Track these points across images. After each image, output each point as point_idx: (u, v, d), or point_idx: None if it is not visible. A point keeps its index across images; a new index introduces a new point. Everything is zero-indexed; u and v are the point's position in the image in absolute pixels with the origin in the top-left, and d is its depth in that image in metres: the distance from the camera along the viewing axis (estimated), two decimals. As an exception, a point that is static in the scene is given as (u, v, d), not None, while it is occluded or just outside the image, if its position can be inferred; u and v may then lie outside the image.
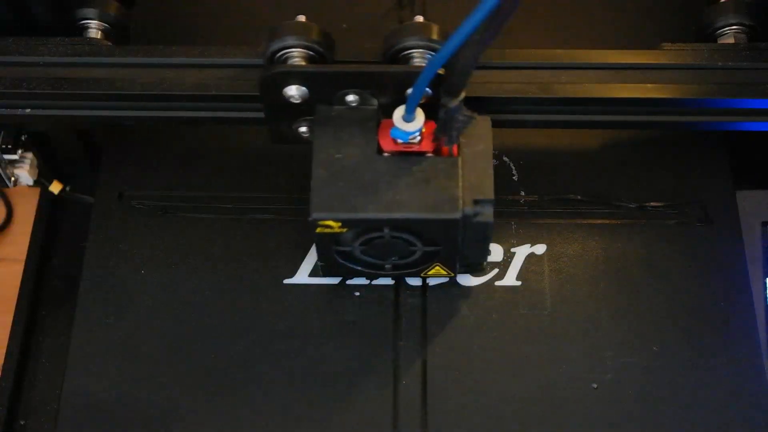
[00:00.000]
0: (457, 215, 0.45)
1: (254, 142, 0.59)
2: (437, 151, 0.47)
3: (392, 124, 0.46)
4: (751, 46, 0.53)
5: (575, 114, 0.52)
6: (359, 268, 0.52)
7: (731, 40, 0.55)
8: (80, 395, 0.51)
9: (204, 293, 0.54)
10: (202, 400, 0.51)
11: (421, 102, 0.45)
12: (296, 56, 0.48)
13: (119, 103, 0.51)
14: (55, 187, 0.61)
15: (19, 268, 0.61)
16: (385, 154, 0.47)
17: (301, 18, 0.49)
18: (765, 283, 0.56)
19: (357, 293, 0.54)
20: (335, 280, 0.54)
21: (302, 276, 0.54)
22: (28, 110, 0.51)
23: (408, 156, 0.47)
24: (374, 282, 0.54)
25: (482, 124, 0.47)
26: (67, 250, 0.61)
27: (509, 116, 0.51)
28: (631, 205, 0.57)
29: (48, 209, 0.63)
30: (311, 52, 0.48)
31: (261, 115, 0.50)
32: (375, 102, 0.48)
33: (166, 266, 0.55)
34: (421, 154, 0.47)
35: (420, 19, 0.49)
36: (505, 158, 0.58)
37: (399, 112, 0.46)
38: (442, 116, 0.45)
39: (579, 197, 0.57)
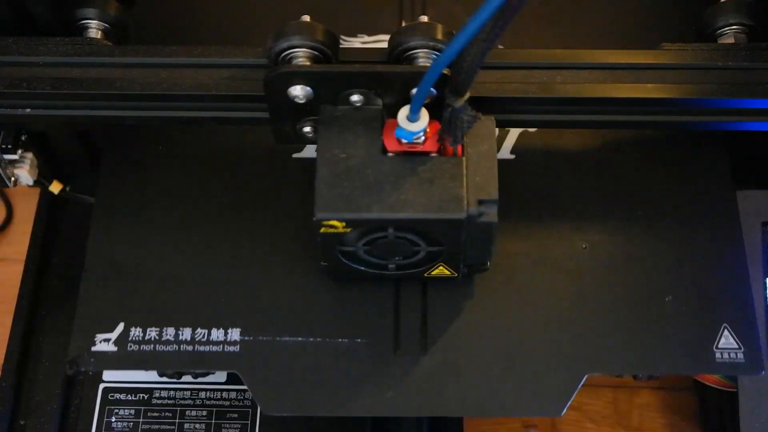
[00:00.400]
0: (462, 215, 0.45)
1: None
2: (441, 151, 0.47)
3: (397, 124, 0.46)
4: (751, 46, 0.53)
5: (575, 114, 0.52)
6: (362, 268, 0.52)
7: (731, 40, 0.55)
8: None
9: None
10: (213, 286, 0.52)
11: (426, 102, 0.45)
12: (301, 56, 0.48)
13: (119, 103, 0.51)
14: (55, 187, 0.61)
15: (19, 268, 0.61)
16: (390, 154, 0.47)
17: (306, 18, 0.49)
18: (765, 283, 0.56)
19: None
20: None
21: (311, 151, 0.56)
22: (28, 110, 0.51)
23: (412, 156, 0.47)
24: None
25: (486, 124, 0.48)
26: (67, 250, 0.61)
27: (509, 116, 0.51)
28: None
29: (48, 209, 0.63)
30: (316, 52, 0.48)
31: (264, 115, 0.50)
32: (379, 102, 0.48)
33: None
34: (426, 154, 0.47)
35: (425, 18, 0.49)
36: None
37: (403, 112, 0.46)
38: (447, 116, 0.45)
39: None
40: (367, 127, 0.48)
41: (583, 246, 0.54)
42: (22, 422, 0.55)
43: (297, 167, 0.57)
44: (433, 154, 0.47)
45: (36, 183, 0.59)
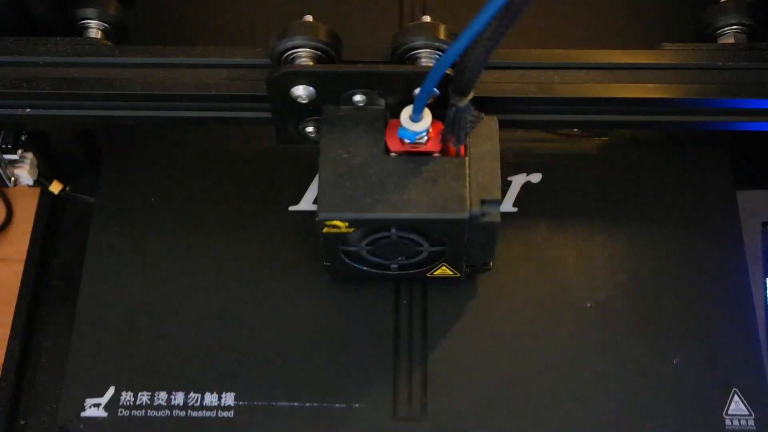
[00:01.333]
0: (465, 215, 0.46)
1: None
2: (444, 151, 0.47)
3: (399, 124, 0.46)
4: (751, 46, 0.53)
5: (575, 114, 0.51)
6: (365, 268, 0.52)
7: (731, 40, 0.55)
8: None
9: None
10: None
11: (428, 102, 0.45)
12: (304, 56, 0.48)
13: (119, 103, 0.51)
14: (55, 187, 0.61)
15: (19, 268, 0.61)
16: (393, 154, 0.47)
17: (309, 18, 0.49)
18: (765, 283, 0.56)
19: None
20: None
21: (307, 203, 0.55)
22: (28, 110, 0.51)
23: (415, 156, 0.47)
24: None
25: (489, 124, 0.47)
26: (67, 250, 0.61)
27: (509, 116, 0.51)
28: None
29: (48, 209, 0.63)
30: (319, 52, 0.48)
31: (265, 115, 0.50)
32: (382, 102, 0.48)
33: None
34: (428, 154, 0.47)
35: (427, 18, 0.49)
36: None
37: (406, 112, 0.46)
38: (451, 116, 0.45)
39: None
40: (370, 127, 0.48)
41: (588, 305, 0.53)
42: (22, 422, 0.55)
43: (295, 219, 0.56)
44: (436, 154, 0.47)
45: (36, 183, 0.59)
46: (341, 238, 0.48)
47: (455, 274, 0.52)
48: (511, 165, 0.57)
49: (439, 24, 0.48)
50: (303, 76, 0.47)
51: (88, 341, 0.53)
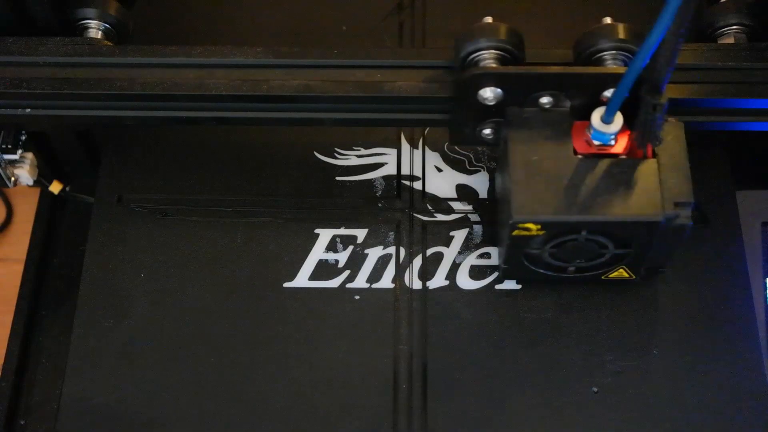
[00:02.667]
0: (660, 217, 0.45)
1: (255, 143, 0.59)
2: (630, 154, 0.47)
3: (587, 126, 0.46)
4: (751, 46, 0.53)
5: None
6: (542, 270, 0.51)
7: (731, 40, 0.55)
8: (80, 396, 0.51)
9: (204, 295, 0.54)
10: (202, 402, 0.51)
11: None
12: (488, 58, 0.48)
13: (119, 103, 0.51)
14: (55, 187, 0.61)
15: (19, 268, 0.61)
16: (580, 157, 0.47)
17: (489, 19, 0.49)
18: (765, 283, 0.56)
19: (357, 297, 0.54)
20: (335, 283, 0.54)
21: (302, 280, 0.54)
22: (28, 110, 0.51)
23: (603, 158, 0.47)
24: (374, 285, 0.54)
25: (675, 126, 0.47)
26: (67, 250, 0.61)
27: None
28: None
29: (48, 209, 0.63)
30: (503, 53, 0.48)
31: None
32: (567, 104, 0.48)
33: (167, 267, 0.55)
34: (615, 156, 0.47)
35: (608, 20, 0.49)
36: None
37: (597, 114, 0.46)
38: (646, 116, 0.44)
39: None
40: (557, 129, 0.47)
41: (594, 390, 0.51)
42: (22, 422, 0.55)
43: (289, 296, 0.54)
44: (623, 157, 0.47)
45: (36, 183, 0.59)
46: (529, 240, 0.48)
47: (631, 276, 0.52)
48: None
49: (620, 25, 0.48)
50: (492, 78, 0.47)
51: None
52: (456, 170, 0.58)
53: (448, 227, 0.56)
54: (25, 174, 0.57)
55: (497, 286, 0.54)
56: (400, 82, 0.50)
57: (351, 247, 0.55)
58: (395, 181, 0.58)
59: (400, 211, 0.57)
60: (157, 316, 0.53)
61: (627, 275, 0.52)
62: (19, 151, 0.56)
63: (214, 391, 0.51)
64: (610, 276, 0.52)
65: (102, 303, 0.54)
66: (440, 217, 0.56)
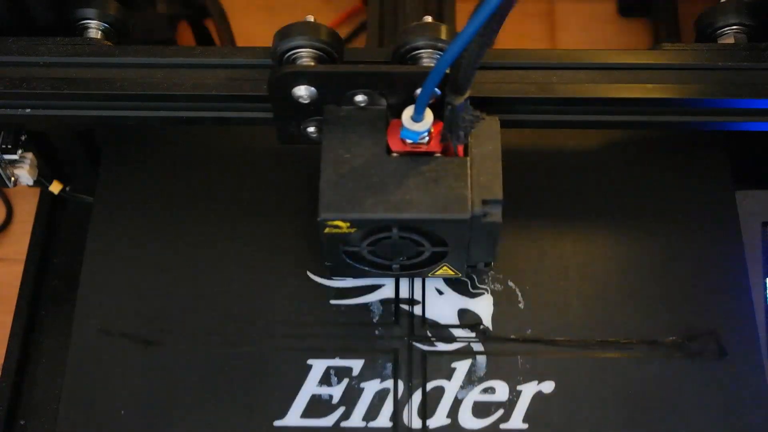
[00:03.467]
0: (467, 215, 0.45)
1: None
2: (446, 152, 0.47)
3: (401, 125, 0.46)
4: (751, 46, 0.53)
5: (575, 114, 0.52)
6: (366, 268, 0.51)
7: (731, 40, 0.55)
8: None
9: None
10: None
11: (430, 102, 0.45)
12: (305, 56, 0.48)
13: (119, 103, 0.51)
14: (55, 187, 0.61)
15: (19, 268, 0.61)
16: (394, 155, 0.47)
17: (311, 18, 0.49)
18: (765, 283, 0.56)
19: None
20: (329, 422, 0.51)
21: (294, 417, 0.51)
22: (28, 110, 0.51)
23: (417, 156, 0.47)
24: (370, 424, 0.51)
25: (491, 124, 0.48)
26: (67, 250, 0.61)
27: (509, 116, 0.51)
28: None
29: (48, 209, 0.63)
30: (320, 53, 0.48)
31: (265, 115, 0.50)
32: (384, 102, 0.48)
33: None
34: (430, 154, 0.47)
35: (429, 19, 0.49)
36: (510, 283, 0.54)
37: (408, 112, 0.46)
38: (449, 115, 0.45)
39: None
40: (372, 127, 0.48)
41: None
42: (22, 422, 0.55)
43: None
44: (438, 155, 0.47)
45: (36, 183, 0.59)
46: (343, 238, 0.48)
47: (456, 273, 0.52)
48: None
49: (440, 24, 0.48)
50: (304, 76, 0.47)
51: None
52: (458, 293, 0.54)
53: (450, 358, 0.52)
54: (25, 174, 0.57)
55: (502, 425, 0.50)
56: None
57: (346, 381, 0.52)
58: (393, 306, 0.54)
59: (398, 339, 0.53)
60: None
61: (452, 273, 0.52)
62: (19, 151, 0.56)
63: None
64: (436, 274, 0.52)
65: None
66: (441, 346, 0.52)
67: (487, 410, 0.51)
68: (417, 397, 0.51)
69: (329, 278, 0.54)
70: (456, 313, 0.54)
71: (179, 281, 0.54)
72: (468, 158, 0.47)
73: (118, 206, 0.57)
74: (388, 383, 0.51)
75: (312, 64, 0.48)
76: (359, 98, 0.48)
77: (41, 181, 0.60)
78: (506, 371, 0.52)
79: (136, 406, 0.51)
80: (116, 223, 0.56)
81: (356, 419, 0.51)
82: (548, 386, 0.51)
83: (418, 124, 0.46)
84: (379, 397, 0.51)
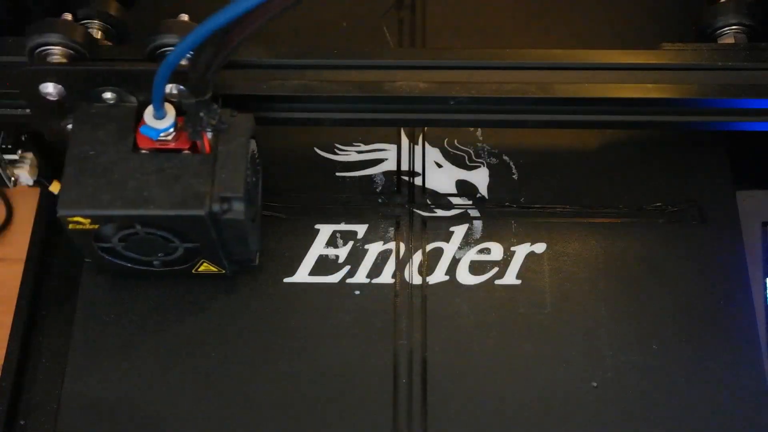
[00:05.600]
0: (202, 211, 0.46)
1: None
2: (194, 149, 0.47)
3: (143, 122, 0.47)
4: (751, 46, 0.53)
5: (575, 114, 0.52)
6: (128, 264, 0.52)
7: (731, 40, 0.55)
8: (80, 395, 0.51)
9: (204, 293, 0.54)
10: (203, 400, 0.51)
11: (175, 100, 0.46)
12: (57, 54, 0.48)
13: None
14: (55, 187, 0.60)
15: (19, 268, 0.61)
16: (143, 152, 0.47)
17: (68, 16, 0.49)
18: (765, 283, 0.56)
19: (357, 292, 0.54)
20: (335, 279, 0.55)
21: (302, 275, 0.55)
22: (28, 110, 0.51)
23: (162, 153, 0.47)
24: (374, 281, 0.54)
25: (243, 121, 0.48)
26: (67, 250, 0.61)
27: (509, 116, 0.51)
28: (630, 206, 0.57)
29: (48, 209, 0.63)
30: (72, 51, 0.48)
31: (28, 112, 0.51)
32: (134, 100, 0.49)
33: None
34: (177, 151, 0.47)
35: (185, 17, 0.50)
36: (505, 157, 0.59)
37: (150, 109, 0.47)
38: (187, 113, 0.45)
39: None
40: (121, 124, 0.48)
41: (594, 384, 0.51)
42: (22, 422, 0.55)
43: (289, 291, 0.55)
44: (186, 152, 0.47)
45: (36, 183, 0.59)
46: (91, 234, 0.48)
47: (220, 270, 0.53)
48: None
49: (192, 24, 0.49)
50: (50, 73, 0.47)
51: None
52: (456, 166, 0.59)
53: (448, 223, 0.56)
54: (25, 174, 0.57)
55: (497, 282, 0.54)
56: None
57: (351, 243, 0.56)
58: (395, 177, 0.58)
59: (400, 207, 0.57)
60: (157, 313, 0.53)
61: (215, 269, 0.52)
62: (19, 151, 0.56)
63: (215, 388, 0.51)
64: (199, 270, 0.52)
65: (102, 302, 0.54)
66: (440, 212, 0.57)
67: (483, 268, 0.55)
68: (417, 257, 0.55)
69: (335, 153, 0.58)
70: (454, 184, 0.58)
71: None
72: (212, 155, 0.47)
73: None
74: (391, 245, 0.56)
75: (64, 60, 0.48)
76: (108, 95, 0.48)
77: (41, 181, 0.59)
78: (501, 234, 0.55)
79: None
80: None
81: (361, 276, 0.55)
82: (540, 247, 0.56)
83: (160, 122, 0.46)
84: (382, 258, 0.55)
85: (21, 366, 0.56)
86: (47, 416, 0.54)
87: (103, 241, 0.49)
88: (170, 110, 0.47)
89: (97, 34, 0.55)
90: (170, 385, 0.52)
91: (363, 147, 0.59)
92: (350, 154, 0.59)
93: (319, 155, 0.59)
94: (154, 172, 0.47)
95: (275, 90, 0.50)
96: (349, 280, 0.55)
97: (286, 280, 0.55)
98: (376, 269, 0.55)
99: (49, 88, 0.48)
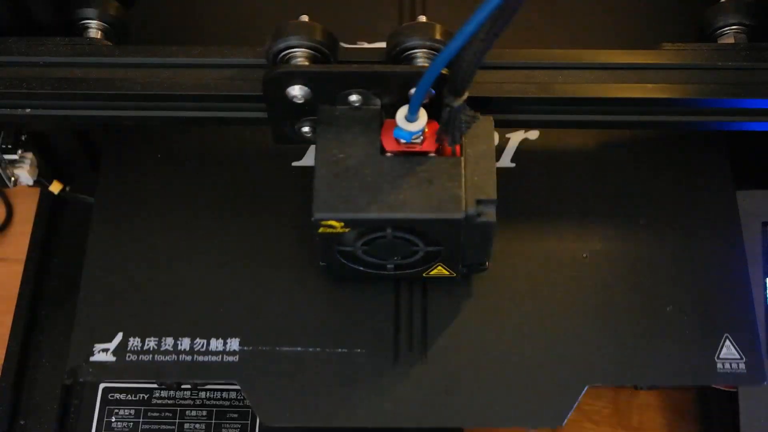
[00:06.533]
0: (460, 215, 0.45)
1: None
2: (440, 152, 0.47)
3: (395, 124, 0.46)
4: (751, 46, 0.53)
5: (575, 114, 0.52)
6: (361, 268, 0.52)
7: (731, 40, 0.55)
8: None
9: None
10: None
11: (425, 102, 0.45)
12: (299, 56, 0.48)
13: (119, 103, 0.51)
14: (55, 187, 0.61)
15: (19, 268, 0.61)
16: (388, 154, 0.47)
17: (305, 18, 0.49)
18: (765, 283, 0.56)
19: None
20: None
21: (310, 159, 0.56)
22: (28, 110, 0.51)
23: (411, 156, 0.47)
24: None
25: (485, 124, 0.48)
26: (67, 250, 0.61)
27: (509, 116, 0.51)
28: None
29: (48, 209, 0.63)
30: (314, 52, 0.48)
31: (263, 115, 0.50)
32: (378, 102, 0.48)
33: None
34: (424, 154, 0.47)
35: (423, 18, 0.49)
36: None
37: (402, 112, 0.46)
38: (446, 116, 0.45)
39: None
40: (366, 127, 0.48)
41: (584, 255, 0.54)
42: (22, 422, 0.55)
43: (296, 174, 0.57)
44: (432, 154, 0.47)
45: (36, 183, 0.59)
46: (337, 238, 0.48)
47: (451, 274, 0.52)
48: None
49: (434, 24, 0.48)
50: (298, 76, 0.47)
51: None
52: None
53: None
54: (25, 174, 0.57)
55: None
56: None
57: None
58: None
59: None
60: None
61: (447, 273, 0.52)
62: (19, 151, 0.56)
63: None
64: (431, 274, 0.52)
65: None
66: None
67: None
68: None
69: None
70: None
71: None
72: (462, 158, 0.47)
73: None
74: None
75: (306, 63, 0.48)
76: (353, 98, 0.48)
77: (41, 181, 0.60)
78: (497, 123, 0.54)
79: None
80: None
81: None
82: (533, 134, 0.58)
83: (412, 124, 0.46)
84: None
85: (21, 366, 0.56)
86: (47, 416, 0.54)
87: (345, 245, 0.49)
88: (422, 113, 0.46)
89: (97, 34, 0.55)
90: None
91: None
92: None
93: None
94: (406, 175, 0.46)
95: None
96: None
97: (295, 163, 0.57)
98: None
99: (296, 91, 0.48)
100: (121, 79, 0.50)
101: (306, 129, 0.50)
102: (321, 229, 0.47)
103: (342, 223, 0.46)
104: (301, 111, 0.49)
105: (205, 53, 0.51)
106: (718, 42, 0.55)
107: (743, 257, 0.55)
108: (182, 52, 0.51)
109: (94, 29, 0.55)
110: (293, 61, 0.48)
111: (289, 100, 0.48)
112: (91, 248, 0.56)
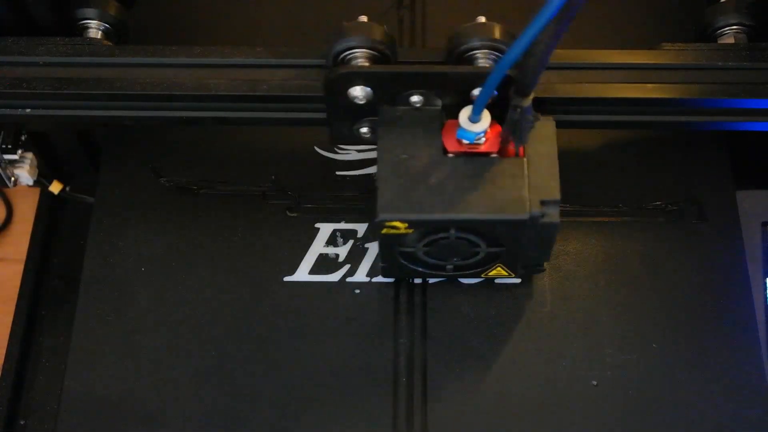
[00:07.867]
0: (525, 216, 0.45)
1: (255, 142, 0.59)
2: (501, 152, 0.47)
3: (457, 125, 0.46)
4: (751, 46, 0.53)
5: (575, 114, 0.51)
6: (420, 269, 0.51)
7: (731, 40, 0.55)
8: (80, 395, 0.51)
9: (204, 292, 0.54)
10: (203, 399, 0.51)
11: (488, 102, 0.45)
12: (360, 57, 0.48)
13: (119, 103, 0.51)
14: (55, 187, 0.61)
15: (19, 268, 0.61)
16: (450, 155, 0.47)
17: (363, 18, 0.49)
18: (765, 283, 0.56)
19: (357, 290, 0.54)
20: (335, 277, 0.55)
21: (302, 274, 0.55)
22: (28, 110, 0.51)
23: (473, 157, 0.47)
24: (374, 279, 0.54)
25: (546, 125, 0.47)
26: (67, 250, 0.61)
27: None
28: (630, 205, 0.57)
29: (48, 209, 0.63)
30: (375, 53, 0.48)
31: (319, 115, 0.50)
32: (439, 103, 0.48)
33: (167, 265, 0.55)
34: (486, 155, 0.47)
35: (482, 19, 0.49)
36: None
37: (465, 112, 0.46)
38: (515, 117, 0.44)
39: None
40: (427, 127, 0.47)
41: (594, 384, 0.51)
42: (22, 422, 0.55)
43: (289, 290, 0.55)
44: (494, 155, 0.47)
45: (36, 183, 0.59)
46: (399, 239, 0.48)
47: (510, 274, 0.52)
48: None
49: (495, 24, 0.48)
50: (361, 76, 0.47)
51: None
52: None
53: None
54: (25, 174, 0.57)
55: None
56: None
57: (351, 242, 0.56)
58: None
59: None
60: (157, 313, 0.54)
61: (506, 273, 0.52)
62: (19, 151, 0.56)
63: (215, 386, 0.51)
64: (490, 274, 0.52)
65: (102, 302, 0.54)
66: None
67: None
68: None
69: (335, 152, 0.58)
70: None
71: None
72: (525, 159, 0.47)
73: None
74: None
75: (367, 64, 0.48)
76: (415, 99, 0.48)
77: (41, 181, 0.60)
78: None
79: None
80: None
81: (361, 275, 0.55)
82: None
83: (475, 125, 0.46)
84: None
85: (21, 366, 0.56)
86: (47, 416, 0.54)
87: (406, 246, 0.49)
88: (485, 113, 0.46)
89: (97, 34, 0.55)
90: (170, 384, 0.52)
91: (363, 146, 0.59)
92: (350, 153, 0.59)
93: (320, 154, 0.59)
94: (469, 176, 0.46)
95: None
96: (349, 279, 0.54)
97: (286, 278, 0.55)
98: (376, 268, 0.55)
99: (357, 92, 0.48)
100: (121, 79, 0.50)
101: (365, 129, 0.50)
102: (384, 230, 0.47)
103: (406, 224, 0.46)
104: (361, 112, 0.49)
105: (206, 53, 0.51)
106: (718, 42, 0.55)
107: (743, 257, 0.55)
108: (182, 52, 0.51)
109: (94, 29, 0.55)
110: (354, 62, 0.48)
111: (350, 101, 0.48)
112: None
